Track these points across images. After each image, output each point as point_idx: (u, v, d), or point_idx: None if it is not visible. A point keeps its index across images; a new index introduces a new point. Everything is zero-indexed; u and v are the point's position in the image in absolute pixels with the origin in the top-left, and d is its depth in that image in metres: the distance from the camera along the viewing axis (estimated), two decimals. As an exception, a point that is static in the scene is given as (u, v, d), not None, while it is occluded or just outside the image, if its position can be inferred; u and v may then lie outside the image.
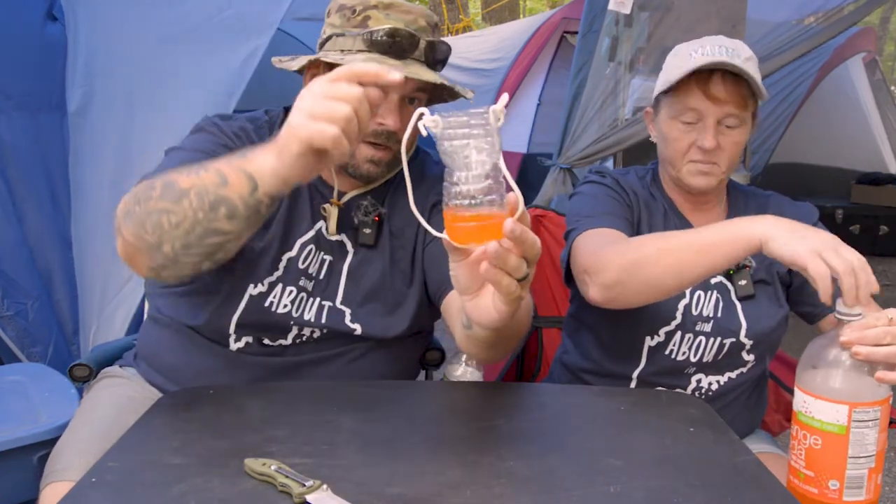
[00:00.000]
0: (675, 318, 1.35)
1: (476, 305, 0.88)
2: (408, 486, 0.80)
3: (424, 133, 0.81)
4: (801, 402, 0.95)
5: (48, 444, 1.29)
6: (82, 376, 1.36)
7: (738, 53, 1.30)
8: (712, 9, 2.89)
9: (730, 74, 1.28)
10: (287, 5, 2.28)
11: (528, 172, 6.37)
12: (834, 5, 3.05)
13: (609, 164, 3.54)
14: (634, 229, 1.38)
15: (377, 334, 1.25)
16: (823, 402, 0.92)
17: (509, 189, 0.81)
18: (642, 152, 3.02)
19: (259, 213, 0.93)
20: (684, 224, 1.41)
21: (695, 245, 1.13)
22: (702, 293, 1.36)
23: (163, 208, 0.95)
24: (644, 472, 0.86)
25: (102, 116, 2.14)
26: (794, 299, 1.44)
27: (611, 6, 2.94)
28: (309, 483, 0.78)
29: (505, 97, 0.80)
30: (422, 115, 0.80)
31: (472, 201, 0.79)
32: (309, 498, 0.76)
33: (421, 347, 1.39)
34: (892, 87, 7.85)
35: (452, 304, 1.17)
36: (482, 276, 0.82)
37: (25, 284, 2.09)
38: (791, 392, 1.62)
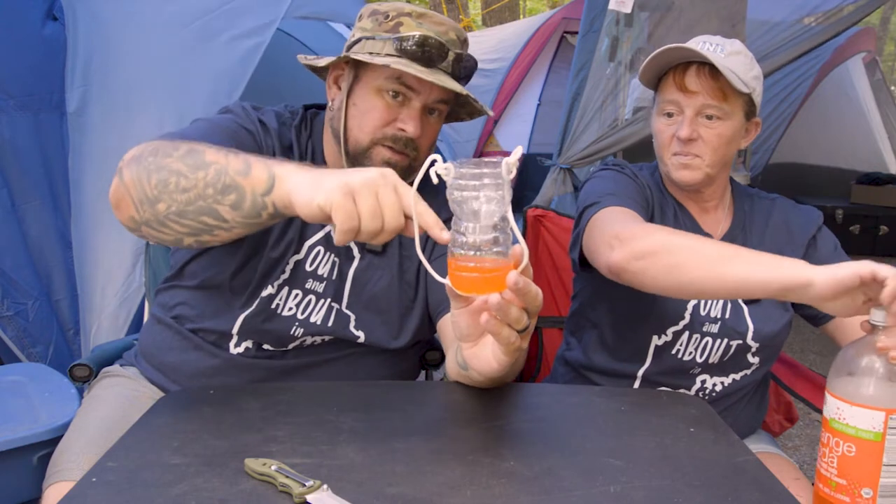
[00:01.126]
0: (683, 317, 1.35)
1: (475, 354, 0.89)
2: (408, 486, 0.80)
3: (436, 181, 0.81)
4: (835, 408, 0.93)
5: (48, 444, 1.29)
6: (82, 376, 1.36)
7: (722, 48, 1.30)
8: (712, 9, 2.89)
9: (708, 67, 1.29)
10: (288, 3, 2.28)
11: (528, 172, 6.38)
12: (834, 5, 3.04)
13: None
14: (650, 215, 1.37)
15: (380, 344, 1.25)
16: (858, 409, 0.91)
17: (515, 240, 0.81)
18: (642, 152, 3.01)
19: (259, 217, 0.92)
20: (693, 224, 1.40)
21: (743, 275, 1.07)
22: None
23: (177, 169, 0.92)
24: (644, 472, 0.86)
25: (102, 116, 2.14)
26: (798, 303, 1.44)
27: (611, 6, 2.94)
28: (309, 483, 0.78)
29: (519, 150, 0.81)
30: (434, 161, 0.80)
31: (478, 252, 0.79)
32: (309, 498, 0.76)
33: (421, 350, 1.40)
34: (892, 87, 7.84)
35: (448, 327, 1.17)
36: (482, 326, 0.83)
37: (25, 284, 2.09)
38: (791, 392, 1.63)
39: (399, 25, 1.17)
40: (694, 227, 1.40)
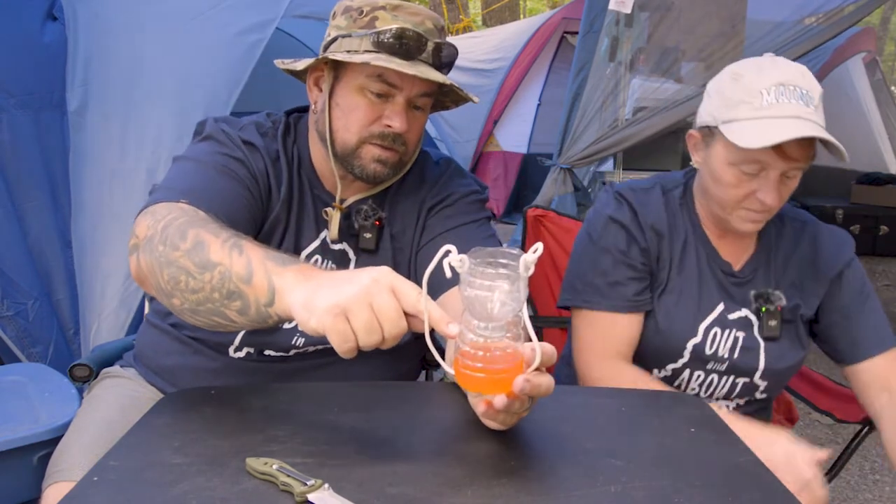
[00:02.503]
0: (682, 356, 1.32)
1: (482, 413, 0.89)
2: (409, 486, 0.80)
3: (449, 274, 0.77)
4: None
5: (48, 444, 1.29)
6: (83, 376, 1.36)
7: (811, 98, 1.19)
8: (713, 9, 2.90)
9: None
10: (287, 1, 2.28)
11: (528, 172, 6.39)
12: (834, 5, 3.04)
13: (609, 164, 3.54)
14: (647, 277, 1.32)
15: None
16: None
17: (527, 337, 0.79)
18: (642, 152, 3.02)
19: (266, 323, 0.91)
20: (706, 251, 1.34)
21: None
22: (718, 331, 1.31)
23: (186, 268, 0.93)
24: (645, 472, 0.86)
25: (102, 115, 2.14)
26: (821, 338, 1.39)
27: (611, 6, 2.95)
28: (310, 482, 0.78)
29: (540, 247, 0.76)
30: (448, 252, 0.76)
31: (486, 353, 0.77)
32: (311, 497, 0.76)
33: (421, 350, 1.39)
34: (893, 87, 7.84)
35: (446, 308, 1.16)
36: (482, 414, 0.85)
37: (25, 284, 2.08)
38: (791, 392, 1.62)
39: (374, 20, 1.15)
40: (712, 256, 1.35)
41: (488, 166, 6.35)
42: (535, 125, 6.48)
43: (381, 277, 0.81)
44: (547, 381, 0.80)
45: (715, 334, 1.31)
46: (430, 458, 0.89)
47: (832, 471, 1.47)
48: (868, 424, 1.41)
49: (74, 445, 1.15)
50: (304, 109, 1.31)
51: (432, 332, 0.81)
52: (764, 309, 1.30)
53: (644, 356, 1.34)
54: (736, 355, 1.31)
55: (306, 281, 0.85)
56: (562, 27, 6.28)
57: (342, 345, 0.81)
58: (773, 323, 1.30)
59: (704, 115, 1.29)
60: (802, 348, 1.35)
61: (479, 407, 0.86)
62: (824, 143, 1.19)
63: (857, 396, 1.36)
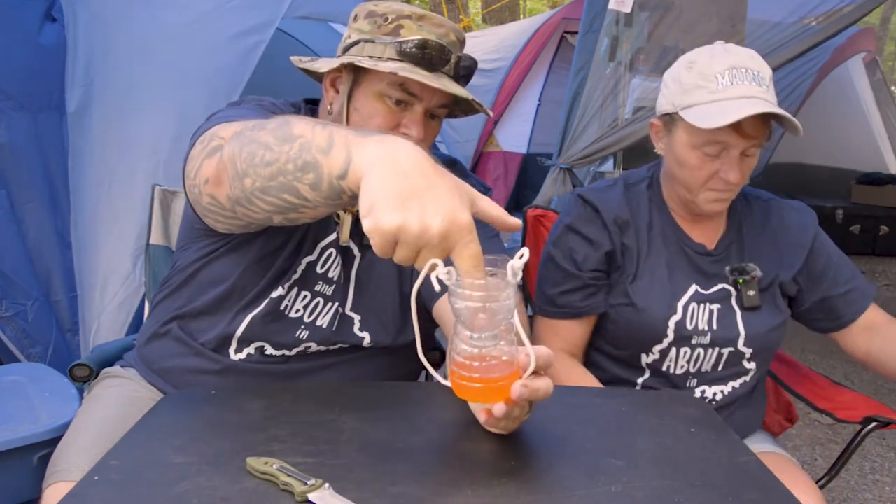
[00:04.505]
0: (666, 335, 1.36)
1: (483, 422, 0.89)
2: (409, 486, 0.80)
3: (437, 287, 0.76)
4: None
5: (48, 444, 1.29)
6: (83, 376, 1.36)
7: (762, 78, 1.26)
8: (712, 8, 2.90)
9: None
10: (288, 2, 2.28)
11: (528, 172, 6.39)
12: (834, 5, 3.05)
13: (609, 164, 3.55)
14: (597, 284, 1.40)
15: (385, 343, 1.24)
16: None
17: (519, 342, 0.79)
18: (642, 152, 3.01)
19: (341, 199, 0.84)
20: (676, 235, 1.40)
21: None
22: (695, 306, 1.36)
23: (265, 142, 0.87)
24: (645, 472, 0.86)
25: (102, 116, 2.14)
26: (806, 317, 1.47)
27: (611, 6, 2.95)
28: (311, 482, 0.78)
29: (526, 252, 0.76)
30: (434, 265, 0.74)
31: (481, 363, 0.77)
32: (311, 497, 0.76)
33: (423, 350, 1.39)
34: (893, 87, 7.85)
35: (444, 312, 1.17)
36: (483, 422, 0.85)
37: (25, 285, 2.08)
38: (791, 392, 1.62)
39: (399, 28, 1.15)
40: (683, 240, 1.40)
41: (488, 166, 6.36)
42: (535, 125, 6.48)
43: (464, 191, 0.76)
44: (545, 384, 0.80)
45: (693, 309, 1.36)
46: (430, 458, 0.89)
47: (832, 471, 1.47)
48: (868, 424, 1.40)
49: (74, 445, 1.15)
50: (316, 102, 1.30)
51: (432, 339, 0.81)
52: (741, 280, 1.36)
53: (630, 342, 1.39)
54: (716, 326, 1.36)
55: (384, 163, 0.76)
56: (562, 27, 6.27)
57: (386, 252, 0.74)
58: (751, 293, 1.36)
59: (664, 104, 1.35)
60: (781, 312, 1.40)
61: (480, 416, 0.86)
62: (779, 120, 1.26)
63: (851, 353, 1.47)
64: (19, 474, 1.34)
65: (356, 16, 1.20)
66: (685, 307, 1.36)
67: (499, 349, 0.77)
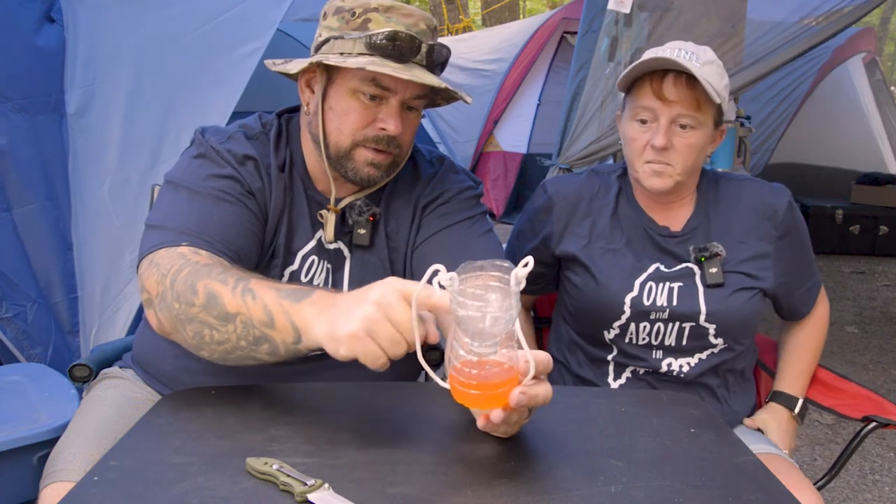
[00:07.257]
0: (623, 311, 1.40)
1: (482, 426, 0.89)
2: (409, 486, 0.80)
3: (439, 293, 0.77)
4: None
5: (48, 444, 1.29)
6: (82, 376, 1.36)
7: (696, 57, 1.31)
8: (712, 8, 2.90)
9: (684, 77, 1.30)
10: (287, 6, 2.28)
11: (528, 172, 6.39)
12: (834, 5, 3.05)
13: (609, 163, 3.54)
14: (554, 243, 1.47)
15: None
16: None
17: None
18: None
19: (299, 355, 0.95)
20: (641, 219, 1.44)
21: None
22: (653, 284, 1.41)
23: (206, 322, 0.96)
24: (645, 472, 0.86)
25: (102, 117, 2.14)
26: (777, 297, 1.49)
27: (610, 6, 2.94)
28: (310, 482, 0.78)
29: (530, 260, 0.76)
30: (437, 271, 0.76)
31: (480, 370, 0.77)
32: (311, 497, 0.76)
33: (421, 351, 1.39)
34: (892, 88, 7.85)
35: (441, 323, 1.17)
36: (482, 427, 0.86)
37: (24, 286, 2.08)
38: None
39: (367, 22, 1.13)
40: (648, 223, 1.44)
41: (488, 166, 6.36)
42: (534, 125, 6.48)
43: (389, 290, 0.84)
44: (544, 390, 0.80)
45: (650, 287, 1.40)
46: (430, 458, 0.89)
47: (832, 471, 1.46)
48: (868, 423, 1.40)
49: (71, 446, 1.14)
50: (296, 109, 1.30)
51: (436, 345, 0.82)
52: (702, 258, 1.40)
53: (590, 318, 1.44)
54: (675, 302, 1.39)
55: (323, 312, 0.89)
56: (561, 27, 6.28)
57: (375, 362, 0.85)
58: (713, 270, 1.39)
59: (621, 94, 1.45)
60: (749, 292, 1.41)
61: (479, 420, 0.86)
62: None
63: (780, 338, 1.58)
64: (19, 474, 1.34)
65: (325, 13, 1.19)
66: (642, 284, 1.40)
67: (498, 356, 0.77)
